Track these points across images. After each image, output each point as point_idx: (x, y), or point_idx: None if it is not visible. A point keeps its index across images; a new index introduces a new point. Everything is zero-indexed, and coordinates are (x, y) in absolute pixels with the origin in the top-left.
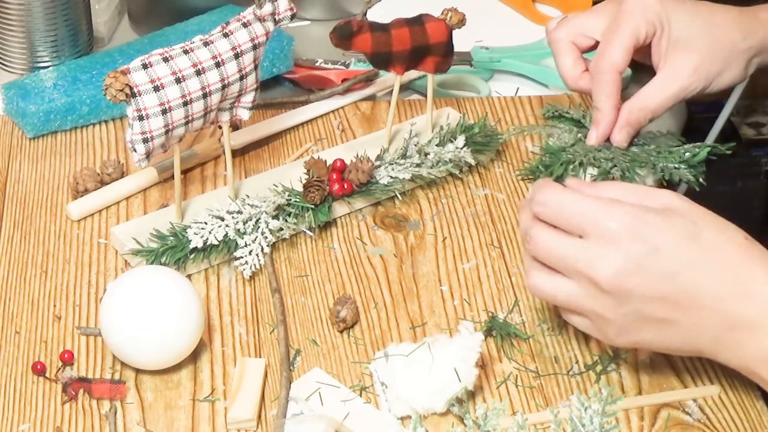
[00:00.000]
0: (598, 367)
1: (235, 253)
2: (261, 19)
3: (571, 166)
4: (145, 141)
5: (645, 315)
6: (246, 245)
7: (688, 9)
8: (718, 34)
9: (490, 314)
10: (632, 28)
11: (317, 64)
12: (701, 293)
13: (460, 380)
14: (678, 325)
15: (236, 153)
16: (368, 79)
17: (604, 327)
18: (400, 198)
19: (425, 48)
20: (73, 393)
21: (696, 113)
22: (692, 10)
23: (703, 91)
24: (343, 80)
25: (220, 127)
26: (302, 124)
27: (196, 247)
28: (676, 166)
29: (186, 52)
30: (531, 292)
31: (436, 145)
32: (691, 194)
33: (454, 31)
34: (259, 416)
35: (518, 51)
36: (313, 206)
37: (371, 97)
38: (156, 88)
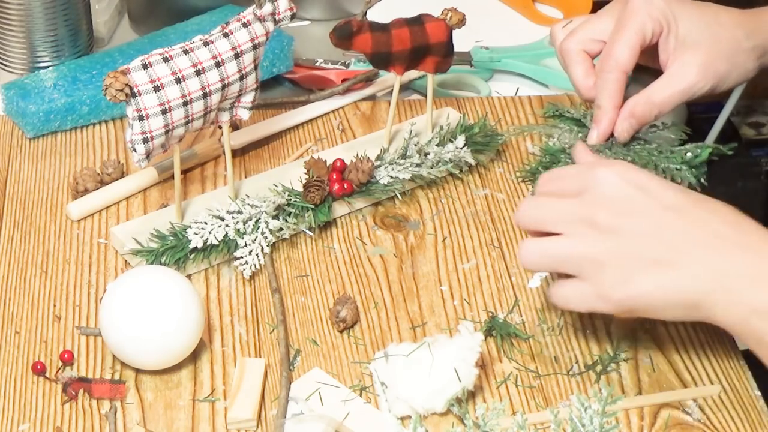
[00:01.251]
0: (598, 367)
1: (235, 253)
2: (261, 19)
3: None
4: (145, 141)
5: (643, 254)
6: (246, 245)
7: (692, 9)
8: (721, 32)
9: (490, 314)
10: (638, 26)
11: (317, 64)
12: (701, 232)
13: (460, 380)
14: (676, 265)
15: (236, 153)
16: (368, 79)
17: (601, 277)
18: (400, 198)
19: (425, 48)
20: (73, 393)
21: (696, 113)
22: (696, 10)
23: (712, 91)
24: (343, 80)
25: (220, 127)
26: (302, 124)
27: (196, 247)
28: (678, 167)
29: (186, 52)
30: (523, 265)
31: (436, 145)
32: None
33: (454, 31)
34: (259, 416)
35: (518, 51)
36: (313, 206)
37: (371, 97)
38: (156, 88)
